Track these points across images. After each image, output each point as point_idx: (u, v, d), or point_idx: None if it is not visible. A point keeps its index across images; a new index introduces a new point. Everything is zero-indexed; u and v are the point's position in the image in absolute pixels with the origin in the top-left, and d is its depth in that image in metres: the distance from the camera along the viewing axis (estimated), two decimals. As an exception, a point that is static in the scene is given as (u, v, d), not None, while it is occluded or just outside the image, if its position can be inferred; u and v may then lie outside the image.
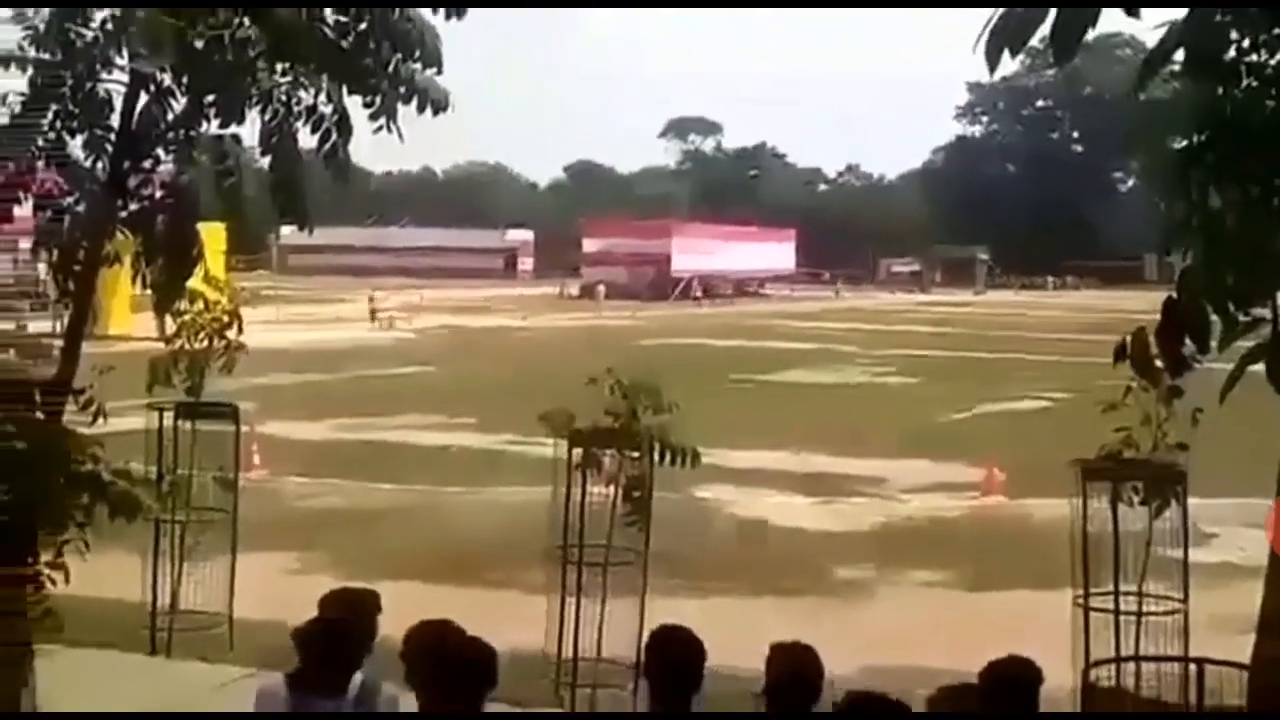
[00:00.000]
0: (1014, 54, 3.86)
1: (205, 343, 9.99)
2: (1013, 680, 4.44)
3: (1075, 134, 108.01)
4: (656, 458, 8.85)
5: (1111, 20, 4.11)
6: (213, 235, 10.05)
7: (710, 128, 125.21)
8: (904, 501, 17.98)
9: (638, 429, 8.84)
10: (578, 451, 8.87)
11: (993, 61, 3.86)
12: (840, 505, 17.50)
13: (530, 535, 10.18)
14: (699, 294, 72.15)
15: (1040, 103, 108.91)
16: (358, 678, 4.80)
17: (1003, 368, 35.41)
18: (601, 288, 67.25)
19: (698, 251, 76.74)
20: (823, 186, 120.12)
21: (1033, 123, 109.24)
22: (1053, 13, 3.77)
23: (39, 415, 6.07)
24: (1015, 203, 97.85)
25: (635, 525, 8.85)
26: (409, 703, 4.45)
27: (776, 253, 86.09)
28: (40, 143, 6.34)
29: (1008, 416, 26.49)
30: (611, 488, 8.89)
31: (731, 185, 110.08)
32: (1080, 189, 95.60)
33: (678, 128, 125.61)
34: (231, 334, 10.08)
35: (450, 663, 4.25)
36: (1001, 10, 3.80)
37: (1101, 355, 5.59)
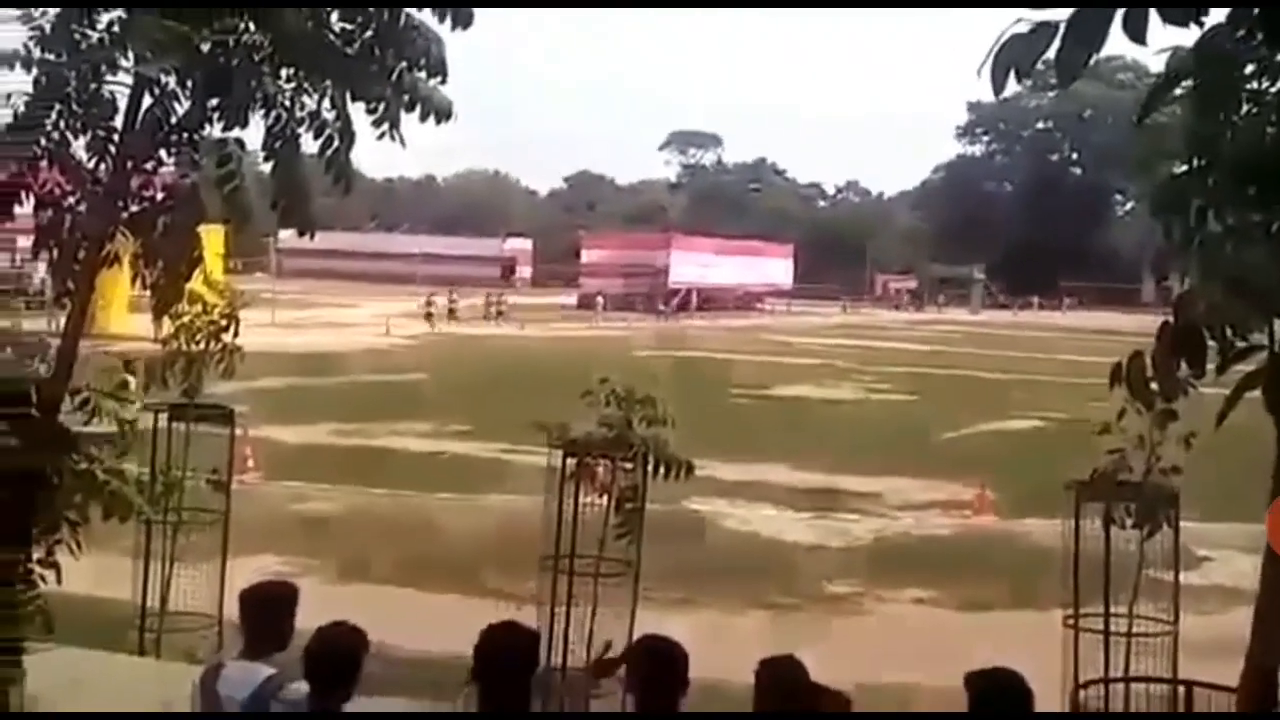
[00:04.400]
0: (1020, 78, 3.87)
1: (202, 345, 9.99)
2: (1003, 691, 4.42)
3: (1075, 155, 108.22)
4: (650, 469, 8.86)
5: (1113, 44, 4.12)
6: (212, 238, 10.08)
7: (711, 141, 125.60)
8: (897, 518, 18.00)
9: (632, 440, 8.85)
10: (571, 461, 8.88)
11: (998, 84, 3.88)
12: (833, 521, 17.51)
13: (522, 544, 10.19)
14: (693, 306, 72.26)
15: (1040, 124, 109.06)
16: (263, 671, 4.80)
17: (998, 387, 35.45)
18: (601, 298, 67.28)
19: (696, 264, 76.80)
20: (822, 202, 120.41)
21: (1033, 143, 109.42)
22: (1059, 37, 3.79)
23: (35, 414, 6.06)
24: (1014, 223, 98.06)
25: (627, 536, 8.85)
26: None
27: (775, 267, 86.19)
28: (43, 142, 6.35)
29: (1002, 436, 26.53)
30: (605, 498, 8.90)
31: (731, 199, 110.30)
32: (1079, 211, 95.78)
33: (678, 140, 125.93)
34: (228, 337, 10.08)
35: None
36: (1009, 34, 3.82)
37: (1097, 376, 5.61)
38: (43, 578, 6.06)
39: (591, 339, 49.79)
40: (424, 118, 6.39)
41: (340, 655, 4.56)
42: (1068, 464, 8.30)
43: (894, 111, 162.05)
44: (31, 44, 6.36)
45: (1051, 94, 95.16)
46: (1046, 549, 9.18)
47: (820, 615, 12.99)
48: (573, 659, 8.78)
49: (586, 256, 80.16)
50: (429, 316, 53.98)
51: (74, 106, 6.36)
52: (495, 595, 12.03)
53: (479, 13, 6.29)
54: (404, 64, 6.31)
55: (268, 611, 4.91)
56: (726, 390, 31.85)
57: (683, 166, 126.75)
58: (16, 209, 6.80)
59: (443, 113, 6.45)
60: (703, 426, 16.69)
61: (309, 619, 5.01)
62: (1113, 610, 7.78)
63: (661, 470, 8.88)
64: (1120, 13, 3.72)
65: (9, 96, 6.36)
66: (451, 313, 58.18)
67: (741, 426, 25.08)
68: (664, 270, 75.18)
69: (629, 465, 8.87)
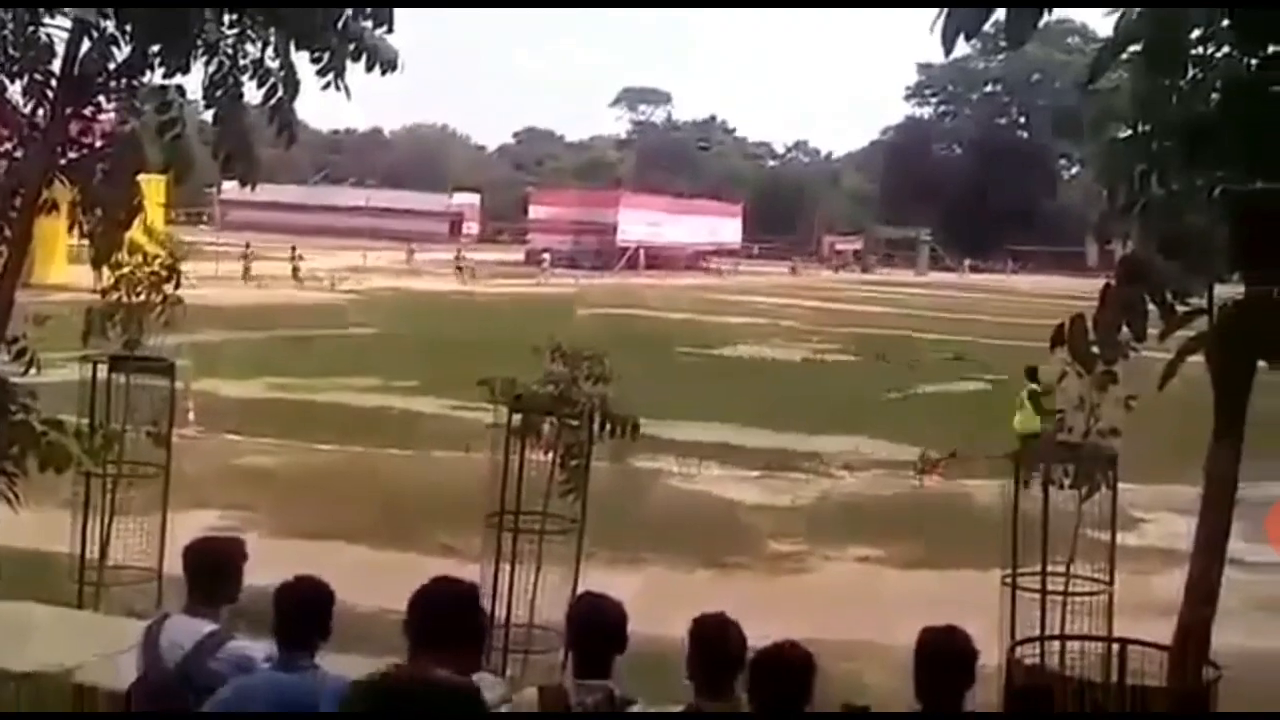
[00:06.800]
0: (969, 37, 3.88)
1: (143, 296, 9.86)
2: (949, 648, 4.52)
3: (1023, 119, 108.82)
4: (596, 427, 8.86)
5: (1061, 7, 4.14)
6: (153, 188, 9.92)
7: (661, 98, 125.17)
8: (841, 478, 18.14)
9: (578, 397, 8.85)
10: (518, 418, 8.86)
11: (948, 44, 3.89)
12: (779, 480, 17.62)
13: (468, 500, 10.17)
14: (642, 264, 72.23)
15: (989, 87, 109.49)
16: (205, 626, 4.74)
17: (943, 349, 35.73)
18: (547, 255, 67.03)
19: (644, 222, 76.64)
20: (771, 162, 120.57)
21: (981, 106, 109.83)
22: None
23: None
24: (961, 185, 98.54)
25: (572, 494, 8.86)
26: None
27: (723, 226, 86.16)
28: (-22, 87, 6.22)
29: (947, 397, 26.77)
30: (551, 455, 8.90)
31: (680, 157, 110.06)
32: (1026, 174, 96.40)
33: (629, 97, 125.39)
34: (169, 288, 9.96)
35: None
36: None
37: (1040, 340, 5.66)
38: (-22, 529, 5.98)
39: (539, 296, 49.67)
40: (370, 68, 6.29)
41: (307, 608, 4.52)
42: (1011, 426, 8.39)
43: (844, 72, 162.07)
44: (-35, -15, 6.20)
45: (1001, 57, 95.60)
46: (988, 509, 9.30)
47: (765, 574, 13.09)
48: (517, 615, 8.81)
49: (534, 212, 79.77)
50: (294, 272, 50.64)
51: (10, 50, 6.22)
52: (442, 551, 12.02)
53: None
54: (349, 12, 6.22)
55: (212, 567, 4.87)
56: (674, 349, 31.90)
57: (633, 123, 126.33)
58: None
59: (389, 63, 6.36)
60: (650, 385, 16.71)
61: (256, 576, 4.98)
62: (1050, 570, 7.90)
63: (607, 428, 8.89)
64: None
65: (-58, 39, 6.21)
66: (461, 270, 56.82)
67: (688, 385, 25.13)
68: (612, 227, 74.98)
69: (574, 422, 8.87)
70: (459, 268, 56.67)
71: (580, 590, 8.04)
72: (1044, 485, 7.88)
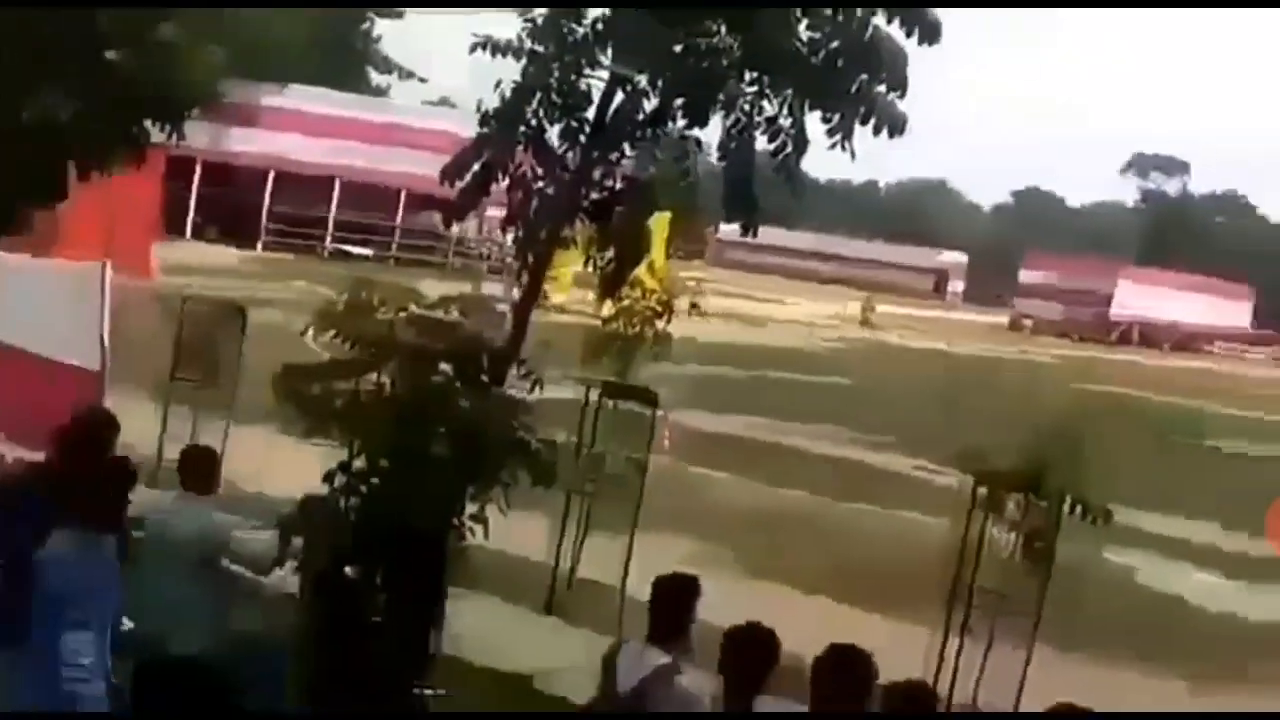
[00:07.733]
0: None
1: (638, 328, 10.51)
2: None
3: None
4: (1065, 510, 8.52)
5: None
6: (658, 224, 10.55)
7: (1177, 167, 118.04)
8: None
9: (1049, 476, 8.54)
10: (983, 490, 8.67)
11: None
12: (1273, 595, 16.06)
13: (925, 567, 10.01)
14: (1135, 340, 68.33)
15: None
16: (658, 658, 4.91)
17: None
18: (1029, 322, 64.94)
19: (1144, 296, 72.56)
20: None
21: None
22: None
23: (485, 379, 6.55)
24: None
25: (1033, 576, 8.56)
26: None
27: (1230, 309, 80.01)
28: (522, 129, 6.85)
29: None
30: (1014, 533, 8.65)
31: (1192, 231, 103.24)
32: None
33: (1140, 164, 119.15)
34: (661, 323, 10.55)
35: None
36: None
37: None
38: (472, 531, 6.55)
39: (1022, 364, 48.09)
40: (877, 131, 6.39)
41: (754, 656, 4.67)
42: None
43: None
44: (524, 35, 6.87)
45: None
46: None
47: (1249, 696, 11.97)
48: (961, 692, 8.58)
49: (1025, 277, 77.47)
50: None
51: (553, 97, 6.82)
52: (894, 615, 11.87)
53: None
54: (864, 77, 6.34)
55: (675, 602, 5.08)
56: (1161, 435, 29.86)
57: (1141, 192, 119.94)
58: (491, 185, 7.36)
59: (897, 127, 6.44)
60: (1130, 472, 15.77)
61: (716, 613, 5.15)
62: None
63: (1078, 512, 8.53)
64: None
65: (499, 83, 6.91)
66: (866, 320, 56.70)
67: (1173, 477, 23.44)
68: (1108, 299, 71.56)
69: (1043, 503, 8.58)
70: (865, 319, 55.61)
71: (1030, 678, 7.76)
72: None
